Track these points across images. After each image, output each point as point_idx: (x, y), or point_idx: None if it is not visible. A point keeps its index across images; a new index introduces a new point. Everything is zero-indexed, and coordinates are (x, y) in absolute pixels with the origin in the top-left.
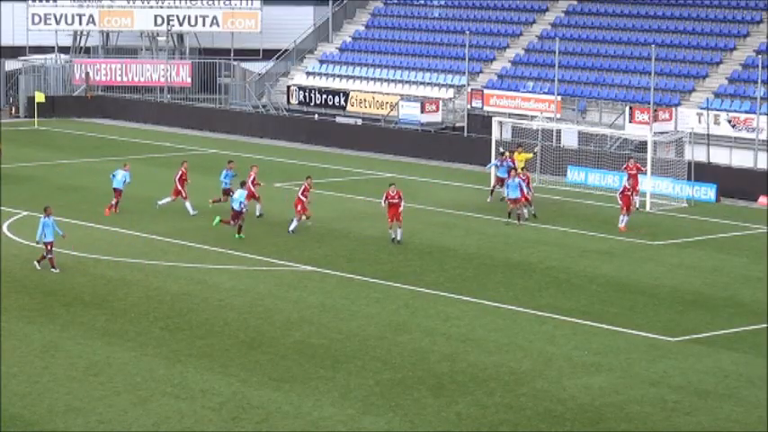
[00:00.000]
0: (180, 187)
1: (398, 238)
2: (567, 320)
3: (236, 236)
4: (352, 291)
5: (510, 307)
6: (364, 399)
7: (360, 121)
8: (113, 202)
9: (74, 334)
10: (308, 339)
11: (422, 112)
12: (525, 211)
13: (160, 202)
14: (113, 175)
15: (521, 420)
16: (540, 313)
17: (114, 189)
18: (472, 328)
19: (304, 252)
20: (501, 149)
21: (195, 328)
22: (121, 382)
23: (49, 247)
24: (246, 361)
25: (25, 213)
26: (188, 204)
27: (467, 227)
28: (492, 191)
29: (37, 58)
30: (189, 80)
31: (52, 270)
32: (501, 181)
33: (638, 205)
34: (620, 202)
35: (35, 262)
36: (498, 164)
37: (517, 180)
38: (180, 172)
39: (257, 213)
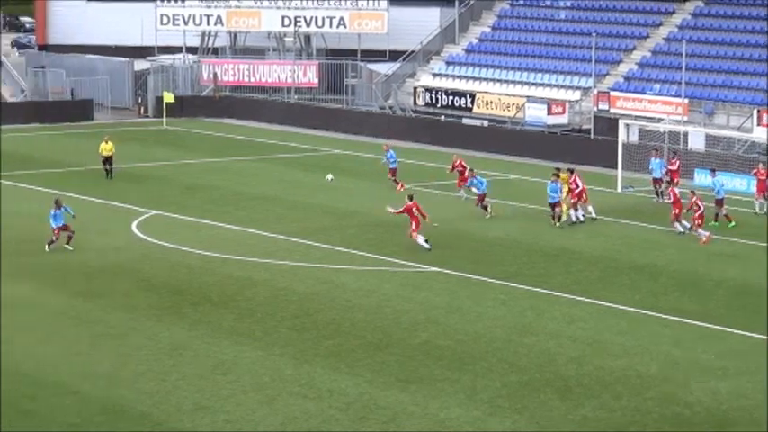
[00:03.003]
0: (460, 177)
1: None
2: (693, 324)
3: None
4: (477, 292)
5: (636, 310)
6: (490, 400)
7: (486, 123)
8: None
9: (202, 333)
10: (434, 340)
11: (548, 113)
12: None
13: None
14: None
15: (648, 423)
16: (665, 316)
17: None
18: (598, 331)
19: (429, 253)
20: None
21: (322, 328)
22: (249, 382)
23: (57, 232)
24: (373, 361)
25: (154, 213)
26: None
27: (591, 229)
28: (658, 192)
29: (165, 59)
30: (316, 81)
31: (66, 246)
32: (657, 182)
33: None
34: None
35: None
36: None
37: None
38: (457, 161)
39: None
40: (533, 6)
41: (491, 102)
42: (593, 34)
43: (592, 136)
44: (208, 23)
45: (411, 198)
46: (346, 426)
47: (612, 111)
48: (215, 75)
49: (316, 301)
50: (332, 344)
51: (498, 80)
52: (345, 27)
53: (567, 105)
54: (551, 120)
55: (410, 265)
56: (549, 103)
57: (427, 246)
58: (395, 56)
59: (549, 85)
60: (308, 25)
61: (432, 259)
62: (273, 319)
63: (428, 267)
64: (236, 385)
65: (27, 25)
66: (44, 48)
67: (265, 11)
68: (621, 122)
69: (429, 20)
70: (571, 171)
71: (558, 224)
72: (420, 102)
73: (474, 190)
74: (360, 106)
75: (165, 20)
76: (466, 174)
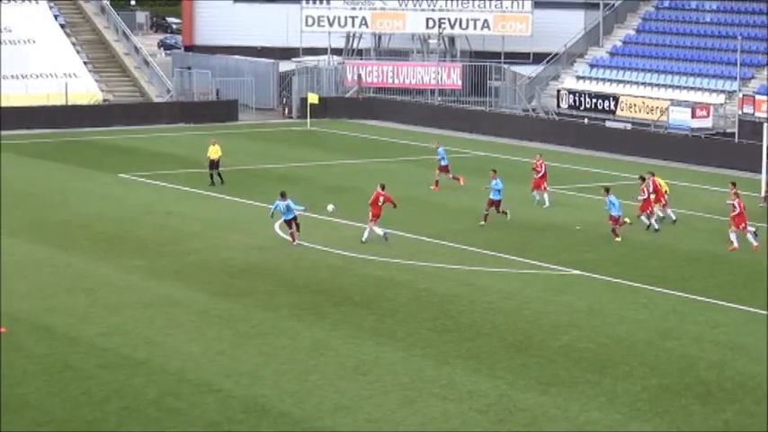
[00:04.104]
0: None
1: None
2: None
3: None
4: (619, 295)
5: None
6: (631, 404)
7: (629, 126)
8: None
9: (343, 333)
10: (575, 343)
11: (692, 117)
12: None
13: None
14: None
15: None
16: None
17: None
18: (740, 336)
19: (572, 256)
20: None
21: (463, 329)
22: (390, 382)
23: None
24: (514, 364)
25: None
26: (543, 195)
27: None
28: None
29: (310, 60)
30: (459, 83)
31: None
32: None
33: None
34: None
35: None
36: None
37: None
38: (539, 161)
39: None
40: (678, 9)
41: (635, 105)
42: (739, 37)
43: (736, 140)
44: (353, 25)
45: (383, 187)
46: (486, 428)
47: (757, 114)
48: (359, 76)
49: (457, 303)
50: (473, 346)
51: (642, 83)
52: (489, 29)
53: (712, 109)
54: (695, 123)
55: (552, 268)
56: (694, 107)
57: (384, 236)
58: (539, 58)
59: (693, 89)
60: (453, 27)
61: (574, 262)
62: (415, 320)
63: (570, 270)
64: (377, 386)
65: (174, 26)
66: (190, 48)
67: (410, 13)
68: (766, 126)
69: (573, 22)
70: (642, 179)
71: (618, 239)
72: (563, 104)
73: (490, 194)
74: (503, 108)
75: (310, 21)
76: (541, 175)
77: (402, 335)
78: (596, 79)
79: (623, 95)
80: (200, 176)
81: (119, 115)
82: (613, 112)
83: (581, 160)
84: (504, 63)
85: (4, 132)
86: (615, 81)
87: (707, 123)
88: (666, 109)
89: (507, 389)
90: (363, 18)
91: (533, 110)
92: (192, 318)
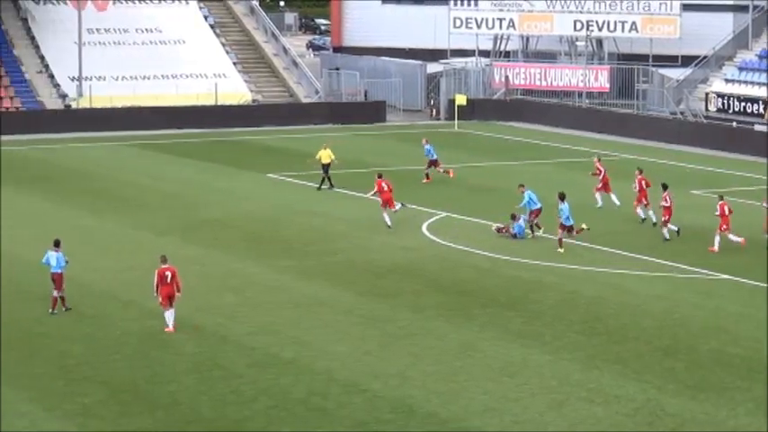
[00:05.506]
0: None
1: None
2: None
3: None
4: None
5: None
6: None
7: None
8: None
9: (490, 335)
10: (724, 348)
11: None
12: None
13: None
14: None
15: None
16: None
17: None
18: None
19: (720, 260)
20: None
21: (611, 333)
22: (537, 385)
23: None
24: (661, 368)
25: (444, 214)
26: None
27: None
28: None
29: (458, 62)
30: (607, 85)
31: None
32: None
33: None
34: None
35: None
36: None
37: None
38: (597, 163)
39: None
40: None
41: None
42: None
43: None
44: (500, 27)
45: (380, 176)
46: (634, 431)
47: None
48: (506, 78)
49: (604, 306)
50: (621, 349)
51: None
52: (637, 32)
53: None
54: None
55: (700, 272)
56: None
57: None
58: (687, 61)
59: None
60: (600, 29)
61: (724, 266)
62: (562, 323)
63: (718, 274)
64: (524, 388)
65: (322, 27)
66: (339, 49)
67: (558, 15)
68: None
69: (722, 25)
70: (640, 171)
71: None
72: (711, 107)
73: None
74: (651, 111)
75: (458, 23)
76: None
77: (549, 338)
78: (745, 82)
79: None
80: (346, 177)
81: (267, 116)
82: (762, 116)
83: (729, 164)
84: (652, 66)
85: (154, 132)
86: (764, 84)
87: None
88: None
89: (655, 393)
90: (511, 20)
91: (681, 113)
92: (339, 318)
